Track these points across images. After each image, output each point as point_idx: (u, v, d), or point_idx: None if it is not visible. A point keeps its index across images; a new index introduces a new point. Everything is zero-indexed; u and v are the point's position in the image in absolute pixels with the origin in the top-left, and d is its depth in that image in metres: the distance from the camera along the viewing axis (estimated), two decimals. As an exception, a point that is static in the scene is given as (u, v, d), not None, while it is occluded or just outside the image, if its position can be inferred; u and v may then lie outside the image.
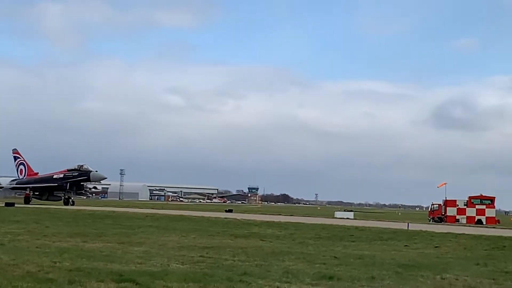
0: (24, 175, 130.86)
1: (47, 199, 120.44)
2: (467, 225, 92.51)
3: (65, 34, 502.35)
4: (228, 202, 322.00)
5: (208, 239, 37.91)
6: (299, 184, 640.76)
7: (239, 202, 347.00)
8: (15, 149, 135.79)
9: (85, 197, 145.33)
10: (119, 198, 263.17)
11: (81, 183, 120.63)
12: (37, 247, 28.97)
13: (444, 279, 22.95)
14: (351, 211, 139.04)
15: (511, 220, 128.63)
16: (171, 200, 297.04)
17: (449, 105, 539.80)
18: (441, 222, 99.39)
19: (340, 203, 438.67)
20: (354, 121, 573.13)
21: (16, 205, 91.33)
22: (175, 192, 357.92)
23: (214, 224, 56.38)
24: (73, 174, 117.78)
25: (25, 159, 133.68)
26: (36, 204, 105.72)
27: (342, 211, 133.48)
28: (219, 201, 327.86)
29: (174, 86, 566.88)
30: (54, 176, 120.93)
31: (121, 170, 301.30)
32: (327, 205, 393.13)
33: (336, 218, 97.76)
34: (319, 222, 68.07)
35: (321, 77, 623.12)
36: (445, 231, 57.17)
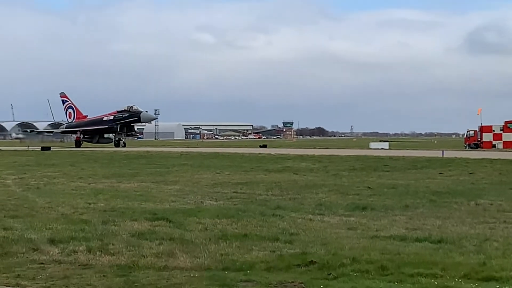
0: (73, 119, 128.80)
1: (97, 142, 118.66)
2: (504, 150, 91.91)
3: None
4: (263, 137, 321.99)
5: (242, 175, 38.01)
6: (334, 116, 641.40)
7: (274, 137, 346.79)
8: (63, 92, 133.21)
9: (136, 138, 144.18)
10: (155, 138, 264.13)
11: (132, 124, 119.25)
12: (72, 189, 29.25)
13: (478, 204, 22.86)
14: (386, 141, 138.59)
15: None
16: (206, 138, 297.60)
17: (483, 30, 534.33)
18: (477, 149, 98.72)
19: (376, 134, 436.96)
20: (386, 51, 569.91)
21: (66, 148, 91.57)
22: (210, 130, 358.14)
23: (248, 160, 56.50)
24: (123, 115, 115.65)
25: (73, 102, 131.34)
26: (86, 147, 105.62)
27: (377, 142, 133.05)
28: (254, 137, 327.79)
29: (204, 24, 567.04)
30: (104, 118, 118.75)
31: (156, 110, 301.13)
32: (362, 137, 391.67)
33: (370, 149, 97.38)
34: (353, 154, 67.91)
35: (351, 8, 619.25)
36: (480, 157, 56.84)
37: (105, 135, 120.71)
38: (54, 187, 30.60)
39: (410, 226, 17.79)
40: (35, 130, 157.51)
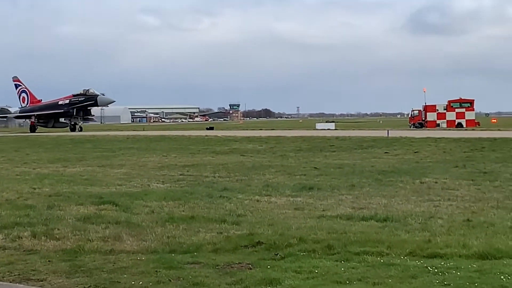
0: (27, 103, 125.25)
1: (53, 126, 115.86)
2: (448, 129, 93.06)
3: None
4: (210, 120, 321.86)
5: (189, 158, 37.98)
6: (280, 98, 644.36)
7: (221, 119, 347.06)
8: (16, 76, 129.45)
9: (90, 122, 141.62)
10: (101, 122, 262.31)
11: (88, 108, 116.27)
12: (17, 175, 28.92)
13: (423, 183, 23.14)
14: (333, 122, 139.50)
15: (491, 122, 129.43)
16: (153, 121, 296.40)
17: (425, 11, 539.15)
18: (421, 128, 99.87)
19: (322, 115, 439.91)
20: (332, 32, 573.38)
21: (22, 134, 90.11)
22: (156, 113, 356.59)
23: (195, 143, 56.43)
24: (79, 99, 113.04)
25: (27, 87, 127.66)
26: (41, 132, 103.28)
27: (323, 122, 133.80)
28: (201, 120, 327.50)
29: (148, 6, 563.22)
30: (60, 102, 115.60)
31: (102, 93, 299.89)
32: (309, 118, 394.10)
33: (317, 130, 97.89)
34: (300, 135, 68.23)
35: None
36: (425, 136, 57.46)
37: (61, 120, 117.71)
38: (-2, 173, 30.23)
39: (357, 205, 17.92)
40: None
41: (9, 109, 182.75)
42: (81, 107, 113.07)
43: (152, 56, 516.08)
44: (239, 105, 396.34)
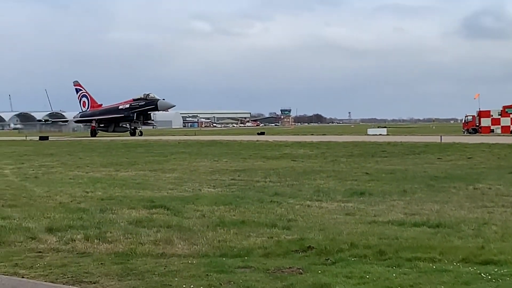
0: (88, 108, 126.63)
1: (113, 131, 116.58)
2: (502, 135, 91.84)
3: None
4: (261, 125, 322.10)
5: (240, 162, 38.03)
6: (332, 103, 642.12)
7: (272, 124, 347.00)
8: (76, 81, 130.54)
9: (152, 127, 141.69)
10: (152, 127, 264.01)
11: (148, 113, 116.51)
12: (70, 179, 29.27)
13: (476, 189, 22.85)
14: (384, 127, 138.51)
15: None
16: (204, 126, 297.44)
17: (480, 15, 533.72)
18: (475, 133, 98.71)
19: (374, 120, 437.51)
20: (383, 37, 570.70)
21: (77, 138, 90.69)
22: (208, 118, 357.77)
23: (246, 147, 56.47)
24: (140, 103, 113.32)
25: (88, 91, 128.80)
26: (102, 137, 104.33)
27: (375, 128, 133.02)
28: (252, 125, 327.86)
29: (200, 12, 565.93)
30: (120, 107, 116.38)
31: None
32: (360, 123, 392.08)
33: (368, 135, 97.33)
34: (351, 140, 67.85)
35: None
36: (479, 142, 56.70)
37: (121, 124, 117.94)
38: (52, 176, 30.60)
39: (408, 211, 17.77)
40: (49, 120, 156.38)
41: (63, 113, 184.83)
42: (141, 111, 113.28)
43: (204, 61, 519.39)
44: (290, 110, 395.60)
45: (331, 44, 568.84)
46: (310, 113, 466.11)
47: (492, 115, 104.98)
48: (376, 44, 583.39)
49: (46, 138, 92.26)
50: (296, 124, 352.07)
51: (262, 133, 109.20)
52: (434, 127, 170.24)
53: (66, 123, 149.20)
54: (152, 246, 13.50)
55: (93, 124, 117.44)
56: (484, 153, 42.84)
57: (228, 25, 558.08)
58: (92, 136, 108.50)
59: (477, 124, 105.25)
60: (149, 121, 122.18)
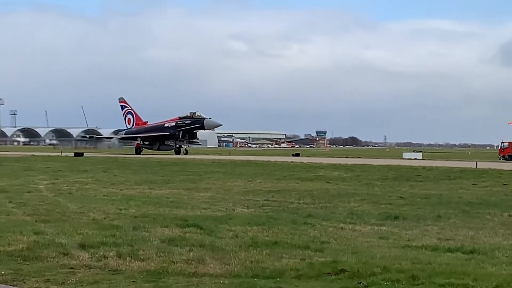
0: (133, 125, 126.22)
1: (158, 149, 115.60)
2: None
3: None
4: (296, 146, 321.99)
5: (274, 183, 38.00)
6: (367, 126, 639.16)
7: (307, 146, 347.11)
8: (122, 98, 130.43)
9: (195, 146, 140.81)
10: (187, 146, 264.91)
11: (194, 131, 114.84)
12: (104, 195, 29.38)
13: (511, 216, 22.63)
14: (420, 151, 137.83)
15: None
16: (239, 146, 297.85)
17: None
18: (511, 160, 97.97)
19: (409, 144, 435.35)
20: (421, 61, 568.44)
21: (98, 154, 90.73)
22: (243, 138, 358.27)
23: (280, 168, 56.46)
24: (186, 121, 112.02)
25: (133, 108, 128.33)
26: (146, 154, 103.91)
27: (410, 152, 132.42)
28: (287, 146, 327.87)
29: (237, 32, 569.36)
30: (166, 125, 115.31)
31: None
32: (396, 147, 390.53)
33: (403, 159, 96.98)
34: (386, 164, 67.60)
35: (385, 17, 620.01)
36: (515, 169, 56.31)
37: (166, 142, 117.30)
38: (86, 193, 30.73)
39: (442, 236, 17.65)
40: (95, 136, 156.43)
41: (98, 130, 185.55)
42: (187, 130, 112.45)
43: (240, 81, 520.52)
44: (325, 132, 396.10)
45: (367, 67, 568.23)
46: (345, 136, 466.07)
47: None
48: (413, 67, 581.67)
49: (81, 154, 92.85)
50: (331, 146, 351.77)
51: (297, 155, 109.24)
52: (469, 153, 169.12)
53: (110, 140, 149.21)
54: (184, 265, 13.51)
55: (138, 142, 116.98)
56: (520, 180, 42.47)
57: (265, 46, 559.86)
58: (136, 154, 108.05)
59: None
60: (194, 140, 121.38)
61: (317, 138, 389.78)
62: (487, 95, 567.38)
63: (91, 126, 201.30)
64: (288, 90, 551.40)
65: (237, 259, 13.96)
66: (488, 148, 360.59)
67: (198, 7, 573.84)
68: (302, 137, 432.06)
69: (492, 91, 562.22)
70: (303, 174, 47.64)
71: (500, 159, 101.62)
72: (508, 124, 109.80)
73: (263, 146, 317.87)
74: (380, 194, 31.44)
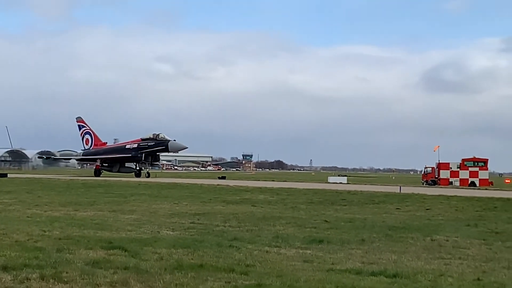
0: (91, 145, 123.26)
1: (118, 171, 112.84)
2: (460, 187, 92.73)
3: (48, 2, 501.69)
4: (222, 169, 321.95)
5: (200, 206, 37.93)
6: (293, 150, 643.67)
7: (233, 169, 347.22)
8: (80, 117, 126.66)
9: (157, 168, 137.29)
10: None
11: (157, 154, 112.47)
12: (28, 217, 28.92)
13: (434, 240, 23.02)
14: (345, 176, 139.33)
15: (505, 182, 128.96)
16: (166, 168, 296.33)
17: (441, 68, 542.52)
18: (434, 185, 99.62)
19: (335, 168, 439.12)
20: (346, 86, 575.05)
21: (22, 175, 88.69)
22: (169, 161, 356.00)
23: (206, 191, 56.39)
24: (149, 143, 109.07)
25: (92, 128, 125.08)
26: (106, 177, 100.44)
27: (335, 176, 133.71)
28: (213, 169, 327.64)
29: (163, 54, 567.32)
30: (127, 146, 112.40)
31: (115, 139, 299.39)
32: (321, 171, 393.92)
33: (329, 183, 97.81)
34: (312, 187, 68.10)
35: (310, 41, 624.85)
36: (437, 194, 57.32)
37: (127, 164, 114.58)
38: (10, 214, 30.22)
39: (366, 260, 17.84)
40: (51, 157, 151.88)
41: (23, 151, 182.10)
42: (150, 152, 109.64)
43: (166, 103, 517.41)
44: (252, 155, 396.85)
45: (293, 91, 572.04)
46: (271, 159, 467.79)
47: (451, 168, 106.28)
48: (338, 92, 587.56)
49: (5, 175, 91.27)
50: (257, 169, 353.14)
51: (223, 178, 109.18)
52: (393, 178, 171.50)
53: (68, 161, 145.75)
54: (108, 287, 13.41)
55: (97, 163, 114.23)
56: (442, 205, 43.20)
57: (191, 69, 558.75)
58: (95, 176, 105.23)
59: (436, 176, 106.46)
60: (156, 163, 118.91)
61: (244, 161, 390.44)
62: (411, 120, 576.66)
63: (15, 147, 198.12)
64: (214, 113, 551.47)
65: (162, 282, 13.92)
66: (411, 173, 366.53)
67: (124, 28, 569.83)
68: (229, 160, 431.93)
69: (416, 117, 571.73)
70: (229, 197, 47.66)
71: (423, 184, 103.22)
72: (434, 150, 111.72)
73: (189, 168, 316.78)
74: (305, 217, 31.63)
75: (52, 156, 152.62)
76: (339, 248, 20.21)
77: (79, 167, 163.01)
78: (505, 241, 23.12)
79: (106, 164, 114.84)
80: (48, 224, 25.37)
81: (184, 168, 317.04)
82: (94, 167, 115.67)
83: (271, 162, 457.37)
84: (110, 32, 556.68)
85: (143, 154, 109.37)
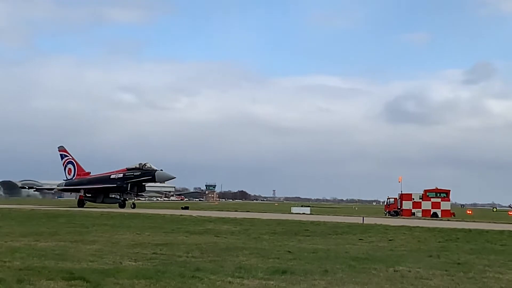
0: (74, 175, 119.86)
1: (102, 202, 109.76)
2: (423, 218, 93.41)
3: (10, 31, 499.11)
4: (185, 199, 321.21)
5: (162, 236, 37.74)
6: (257, 180, 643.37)
7: (196, 199, 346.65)
8: (62, 146, 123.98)
9: (144, 199, 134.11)
10: (76, 197, 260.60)
11: (143, 184, 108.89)
12: (-13, 247, 28.59)
13: (396, 271, 23.05)
14: (308, 206, 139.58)
15: (467, 213, 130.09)
16: (128, 198, 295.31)
17: (402, 99, 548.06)
18: (397, 216, 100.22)
19: (298, 199, 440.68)
20: (309, 116, 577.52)
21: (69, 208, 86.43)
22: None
23: (169, 221, 56.15)
24: (135, 173, 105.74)
25: (74, 157, 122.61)
26: (89, 207, 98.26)
27: (298, 206, 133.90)
28: (176, 199, 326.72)
29: (127, 84, 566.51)
30: (112, 176, 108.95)
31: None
32: (284, 201, 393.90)
33: (292, 213, 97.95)
34: (275, 218, 68.14)
35: (274, 72, 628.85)
36: (400, 225, 57.68)
37: (111, 195, 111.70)
38: (-31, 244, 29.87)
39: (329, 291, 17.84)
40: (35, 187, 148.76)
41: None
42: (136, 182, 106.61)
43: (129, 133, 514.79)
44: (215, 185, 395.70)
45: (257, 121, 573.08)
46: (235, 189, 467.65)
47: (413, 199, 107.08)
48: (301, 123, 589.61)
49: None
50: (221, 200, 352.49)
51: (186, 208, 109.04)
52: (356, 208, 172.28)
53: (52, 191, 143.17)
54: (69, 319, 13.28)
55: (81, 194, 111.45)
56: (405, 236, 43.41)
57: (155, 98, 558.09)
58: (79, 207, 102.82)
59: (399, 207, 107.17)
60: (142, 193, 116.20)
61: (207, 192, 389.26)
62: (374, 151, 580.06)
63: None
64: (178, 143, 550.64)
65: (124, 313, 13.81)
66: (374, 203, 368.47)
67: (87, 57, 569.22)
68: (192, 190, 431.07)
69: (378, 147, 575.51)
70: (192, 228, 47.47)
71: (386, 215, 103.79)
72: (399, 181, 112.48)
73: (152, 199, 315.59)
74: (268, 248, 31.57)
75: (35, 186, 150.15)
76: (302, 279, 20.17)
77: (41, 197, 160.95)
78: (467, 272, 23.25)
79: (90, 195, 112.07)
80: (9, 255, 25.05)
81: (146, 198, 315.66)
82: (78, 198, 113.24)
83: (235, 192, 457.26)
84: (73, 61, 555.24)
85: (129, 184, 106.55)
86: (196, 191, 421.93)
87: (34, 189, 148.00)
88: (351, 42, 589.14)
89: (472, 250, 33.34)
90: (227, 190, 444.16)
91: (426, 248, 34.10)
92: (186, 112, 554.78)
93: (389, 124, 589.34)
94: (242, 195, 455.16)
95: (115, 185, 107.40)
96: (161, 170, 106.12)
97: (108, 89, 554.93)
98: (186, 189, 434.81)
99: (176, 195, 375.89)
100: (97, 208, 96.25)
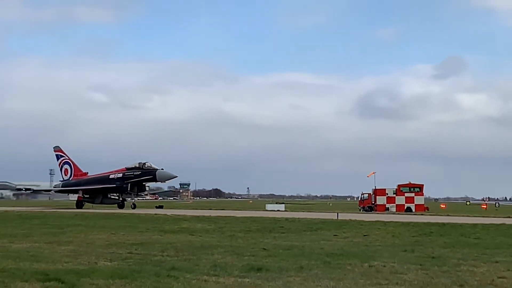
0: (70, 176, 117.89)
1: (101, 202, 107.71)
2: (397, 213, 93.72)
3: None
4: (159, 198, 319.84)
5: (137, 236, 37.67)
6: (231, 178, 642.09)
7: (171, 198, 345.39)
8: (58, 146, 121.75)
9: (143, 199, 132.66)
10: (49, 198, 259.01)
11: (143, 183, 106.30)
12: (-40, 250, 28.41)
13: (371, 266, 23.14)
14: (283, 203, 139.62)
15: (440, 207, 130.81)
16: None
17: (374, 95, 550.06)
18: (371, 211, 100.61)
19: (272, 196, 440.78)
20: (281, 113, 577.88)
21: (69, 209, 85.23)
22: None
23: (143, 221, 56.01)
24: (135, 173, 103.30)
25: (71, 158, 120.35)
26: (88, 209, 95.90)
27: (273, 203, 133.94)
28: (150, 198, 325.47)
29: (98, 83, 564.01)
30: (111, 176, 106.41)
31: (51, 170, 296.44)
32: (259, 198, 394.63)
33: (267, 210, 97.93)
34: (250, 215, 68.05)
35: (245, 70, 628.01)
36: (374, 220, 57.78)
37: (110, 195, 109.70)
38: None
39: None
40: (31, 189, 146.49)
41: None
42: (136, 182, 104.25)
43: (101, 133, 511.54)
44: (189, 184, 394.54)
45: (229, 119, 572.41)
46: (209, 188, 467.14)
47: (387, 194, 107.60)
48: (274, 120, 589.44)
49: None
50: (195, 198, 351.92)
51: (161, 207, 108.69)
52: (331, 204, 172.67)
53: (49, 193, 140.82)
54: (45, 320, 13.24)
55: (79, 195, 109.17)
56: (379, 231, 43.55)
57: (126, 98, 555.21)
58: (77, 208, 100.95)
59: (373, 202, 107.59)
60: (142, 193, 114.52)
61: (181, 190, 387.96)
62: (347, 147, 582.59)
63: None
64: (150, 142, 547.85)
65: (99, 313, 13.79)
66: (348, 199, 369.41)
67: (57, 57, 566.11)
68: (166, 189, 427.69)
69: (351, 143, 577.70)
70: (167, 226, 47.41)
71: (360, 210, 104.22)
72: (368, 176, 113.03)
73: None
74: (243, 246, 31.59)
75: (32, 188, 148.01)
76: (277, 276, 20.21)
77: (15, 199, 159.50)
78: (441, 266, 23.38)
79: (88, 196, 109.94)
80: (-18, 257, 24.94)
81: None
82: (77, 199, 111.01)
83: (209, 191, 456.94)
84: (43, 61, 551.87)
85: (129, 184, 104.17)
86: (170, 189, 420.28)
87: (31, 191, 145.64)
88: (322, 38, 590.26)
89: (446, 244, 33.53)
90: (201, 188, 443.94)
91: (400, 243, 34.25)
92: (158, 111, 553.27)
93: (362, 120, 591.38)
94: (217, 193, 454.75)
95: (115, 185, 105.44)
96: (162, 169, 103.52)
97: (79, 89, 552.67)
98: (160, 188, 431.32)
99: (150, 194, 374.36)
100: (97, 209, 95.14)
